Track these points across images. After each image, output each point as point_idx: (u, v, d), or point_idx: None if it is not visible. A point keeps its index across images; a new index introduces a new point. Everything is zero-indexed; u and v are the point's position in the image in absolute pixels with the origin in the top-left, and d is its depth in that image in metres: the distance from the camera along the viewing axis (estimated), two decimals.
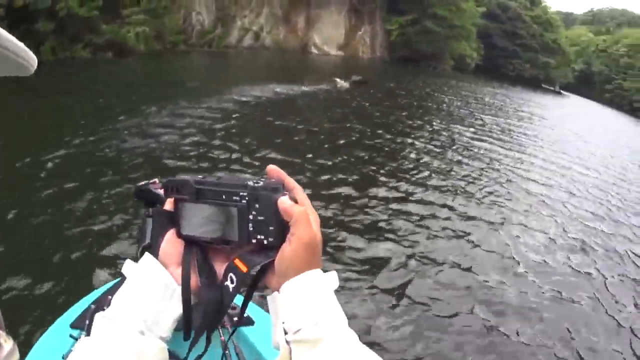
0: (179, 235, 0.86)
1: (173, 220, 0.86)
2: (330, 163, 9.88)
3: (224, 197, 0.82)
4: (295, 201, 0.82)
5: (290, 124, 12.66)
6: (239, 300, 0.91)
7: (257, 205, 0.80)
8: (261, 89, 16.82)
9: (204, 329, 0.84)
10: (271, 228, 0.80)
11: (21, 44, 0.71)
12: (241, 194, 0.80)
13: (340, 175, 9.23)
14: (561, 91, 73.71)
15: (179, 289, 0.82)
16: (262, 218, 0.80)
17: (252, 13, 34.94)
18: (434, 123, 17.56)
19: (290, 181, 0.85)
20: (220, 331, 1.81)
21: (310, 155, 9.97)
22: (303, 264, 0.78)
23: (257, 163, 8.87)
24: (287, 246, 0.78)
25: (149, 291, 0.81)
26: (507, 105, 30.01)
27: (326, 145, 11.16)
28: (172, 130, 10.10)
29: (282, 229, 0.79)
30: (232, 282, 0.81)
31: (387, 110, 17.99)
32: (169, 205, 0.87)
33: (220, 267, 0.85)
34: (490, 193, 10.23)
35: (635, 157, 22.21)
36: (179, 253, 0.85)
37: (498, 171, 12.27)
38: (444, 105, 23.78)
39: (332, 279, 0.81)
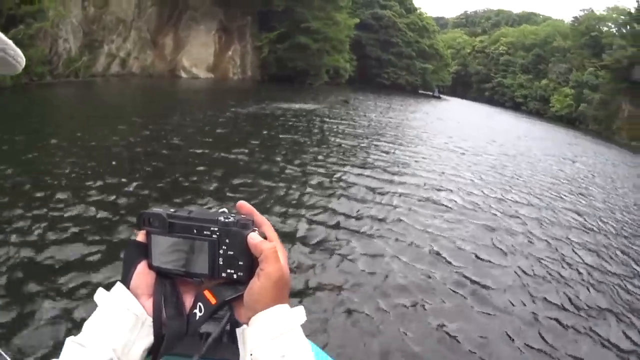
0: (150, 266, 0.93)
1: (145, 251, 0.93)
2: None
3: (195, 231, 0.89)
4: (265, 237, 0.89)
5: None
6: None
7: (227, 241, 0.87)
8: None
9: (162, 355, 0.90)
10: (241, 263, 0.87)
11: (9, 41, 0.75)
12: (212, 228, 0.88)
13: None
14: (440, 96, 79.22)
15: (149, 320, 0.90)
16: (232, 253, 0.87)
17: (120, 37, 34.98)
18: (311, 156, 14.71)
19: (259, 217, 0.93)
20: None
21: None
22: (271, 299, 0.84)
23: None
24: (255, 281, 0.85)
25: (120, 320, 0.88)
26: (393, 123, 27.75)
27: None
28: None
29: (251, 264, 0.87)
30: (200, 310, 0.89)
31: (250, 149, 14.59)
32: (141, 236, 0.94)
33: (189, 299, 0.93)
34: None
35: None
36: (149, 284, 0.92)
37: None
38: (320, 130, 20.67)
39: (299, 313, 0.87)
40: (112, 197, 8.64)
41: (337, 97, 32.64)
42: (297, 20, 46.15)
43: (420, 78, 73.26)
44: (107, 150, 12.11)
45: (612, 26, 69.18)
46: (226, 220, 0.88)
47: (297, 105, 28.62)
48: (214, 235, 0.89)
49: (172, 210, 0.94)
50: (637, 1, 59.24)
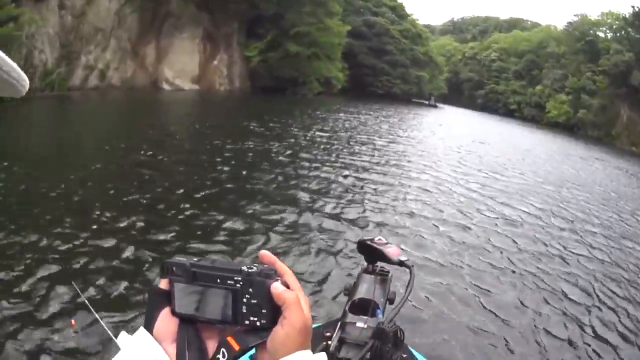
0: (174, 313, 0.96)
1: (168, 299, 0.97)
2: None
3: (218, 280, 0.93)
4: (287, 286, 0.93)
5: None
6: None
7: (250, 290, 0.91)
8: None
9: None
10: (264, 311, 0.91)
11: (12, 62, 0.78)
12: (235, 278, 0.91)
13: None
14: (437, 104, 78.66)
15: None
16: (255, 301, 0.91)
17: (98, 47, 33.70)
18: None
19: (281, 266, 0.96)
20: None
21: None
22: (294, 346, 0.88)
23: None
24: (279, 329, 0.89)
25: None
26: (397, 142, 24.90)
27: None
28: None
29: (274, 312, 0.91)
30: (223, 356, 0.91)
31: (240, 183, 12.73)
32: (164, 284, 0.97)
33: (212, 344, 0.95)
34: None
35: None
36: (173, 330, 0.95)
37: None
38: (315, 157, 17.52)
39: (320, 359, 0.91)
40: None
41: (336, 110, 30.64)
42: (286, 26, 45.24)
43: (416, 87, 72.33)
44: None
45: (607, 31, 70.15)
46: (249, 270, 0.92)
47: (294, 130, 24.11)
48: (237, 285, 0.91)
49: (195, 259, 0.97)
50: (632, 7, 59.76)
